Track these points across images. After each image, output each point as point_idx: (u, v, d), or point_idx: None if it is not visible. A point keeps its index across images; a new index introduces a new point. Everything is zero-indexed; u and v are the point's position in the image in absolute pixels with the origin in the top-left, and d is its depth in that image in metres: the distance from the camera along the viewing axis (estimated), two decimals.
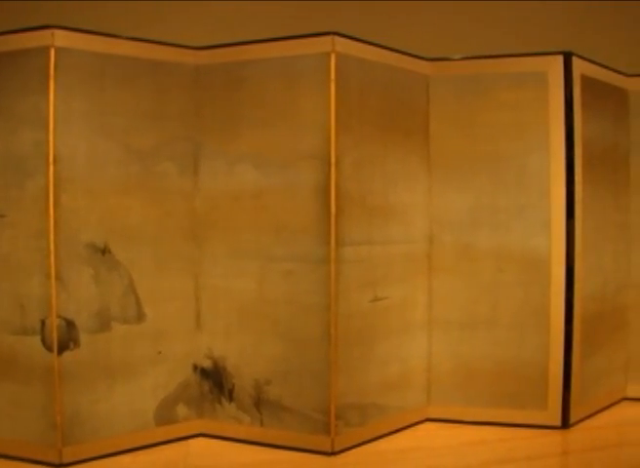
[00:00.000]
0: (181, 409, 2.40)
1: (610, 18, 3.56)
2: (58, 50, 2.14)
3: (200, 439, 2.41)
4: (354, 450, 2.31)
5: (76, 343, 2.18)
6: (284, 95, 2.30)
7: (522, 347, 2.52)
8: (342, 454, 2.28)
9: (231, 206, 2.38)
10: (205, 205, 2.41)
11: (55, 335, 2.14)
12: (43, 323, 2.15)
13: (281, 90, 2.31)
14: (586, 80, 2.56)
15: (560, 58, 2.49)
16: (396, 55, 2.44)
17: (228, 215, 2.38)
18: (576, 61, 2.51)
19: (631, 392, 2.87)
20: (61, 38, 2.14)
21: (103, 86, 2.23)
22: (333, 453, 2.26)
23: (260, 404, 2.35)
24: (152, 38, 2.34)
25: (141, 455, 2.27)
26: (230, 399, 2.40)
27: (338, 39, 2.25)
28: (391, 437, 2.44)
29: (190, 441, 2.39)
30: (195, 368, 2.43)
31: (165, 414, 2.36)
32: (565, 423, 2.52)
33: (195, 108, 2.40)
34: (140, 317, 2.30)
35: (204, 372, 2.43)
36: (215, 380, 2.42)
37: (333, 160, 2.23)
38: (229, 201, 2.38)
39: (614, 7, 3.56)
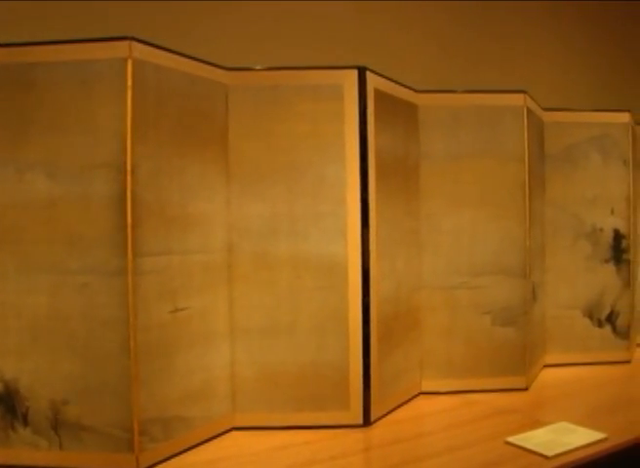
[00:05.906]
0: None
1: (404, 35, 3.81)
2: None
3: None
4: (160, 466, 2.26)
5: None
6: (78, 100, 2.21)
7: (322, 350, 2.60)
8: None
9: (21, 217, 2.23)
10: None
11: None
12: None
13: (75, 95, 2.21)
14: (380, 94, 2.71)
15: (355, 73, 2.61)
16: (195, 63, 2.43)
17: (18, 227, 2.23)
18: (369, 76, 2.64)
19: (426, 387, 3.08)
20: None
21: None
22: None
23: (58, 425, 2.22)
24: None
25: None
26: (25, 423, 2.24)
27: (135, 44, 2.19)
28: (198, 449, 2.41)
29: None
30: None
31: None
32: (366, 421, 2.64)
33: None
34: None
35: None
36: (7, 405, 2.25)
37: (129, 169, 2.17)
38: (19, 211, 2.23)
39: (408, 26, 3.82)
